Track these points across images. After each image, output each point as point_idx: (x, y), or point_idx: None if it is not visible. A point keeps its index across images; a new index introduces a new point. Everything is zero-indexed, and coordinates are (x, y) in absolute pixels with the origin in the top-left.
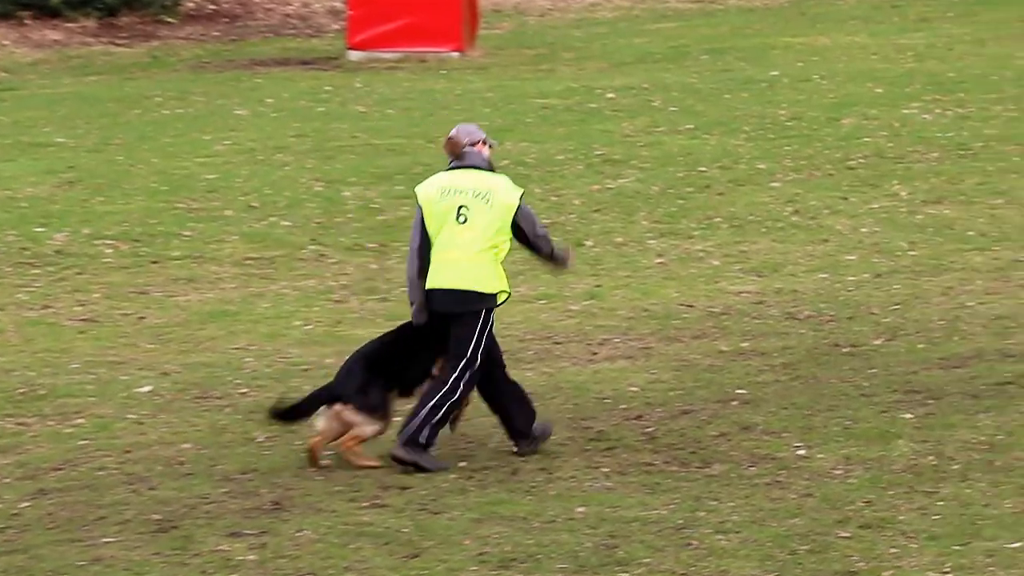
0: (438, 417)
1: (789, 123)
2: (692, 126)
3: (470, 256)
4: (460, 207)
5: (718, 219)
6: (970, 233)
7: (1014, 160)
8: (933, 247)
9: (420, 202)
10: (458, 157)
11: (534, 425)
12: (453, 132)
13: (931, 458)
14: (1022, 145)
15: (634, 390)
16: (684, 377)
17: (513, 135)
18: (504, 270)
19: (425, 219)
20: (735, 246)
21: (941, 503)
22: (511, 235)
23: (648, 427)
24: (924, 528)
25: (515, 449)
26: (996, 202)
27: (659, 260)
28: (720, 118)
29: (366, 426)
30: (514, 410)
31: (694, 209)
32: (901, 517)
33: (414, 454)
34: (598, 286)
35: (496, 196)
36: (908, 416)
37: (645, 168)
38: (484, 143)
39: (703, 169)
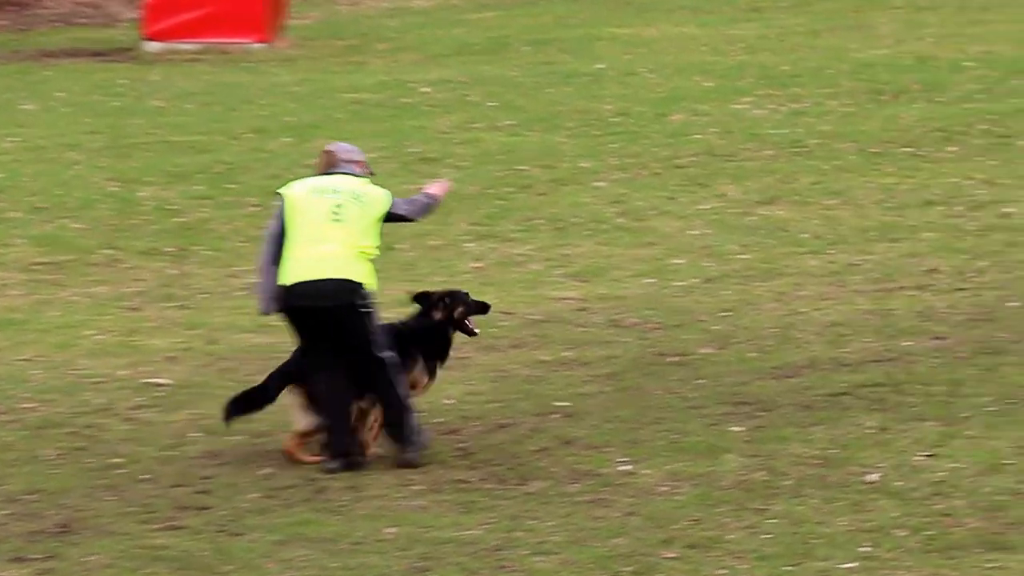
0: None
1: (615, 119)
2: (512, 122)
3: (345, 250)
4: (337, 205)
5: (539, 221)
6: (804, 235)
7: (850, 158)
8: (765, 250)
9: (284, 196)
10: (333, 167)
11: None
12: (331, 147)
13: (762, 473)
14: (858, 142)
15: (449, 403)
16: (502, 389)
17: (322, 132)
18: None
19: (287, 214)
20: (557, 249)
21: (772, 521)
22: (379, 240)
23: (464, 442)
24: (754, 548)
25: (327, 465)
26: (831, 202)
27: (476, 264)
28: (542, 114)
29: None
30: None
31: (514, 210)
32: (730, 536)
33: (417, 448)
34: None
35: (370, 196)
36: (738, 429)
37: (462, 167)
38: (364, 166)
39: (523, 168)
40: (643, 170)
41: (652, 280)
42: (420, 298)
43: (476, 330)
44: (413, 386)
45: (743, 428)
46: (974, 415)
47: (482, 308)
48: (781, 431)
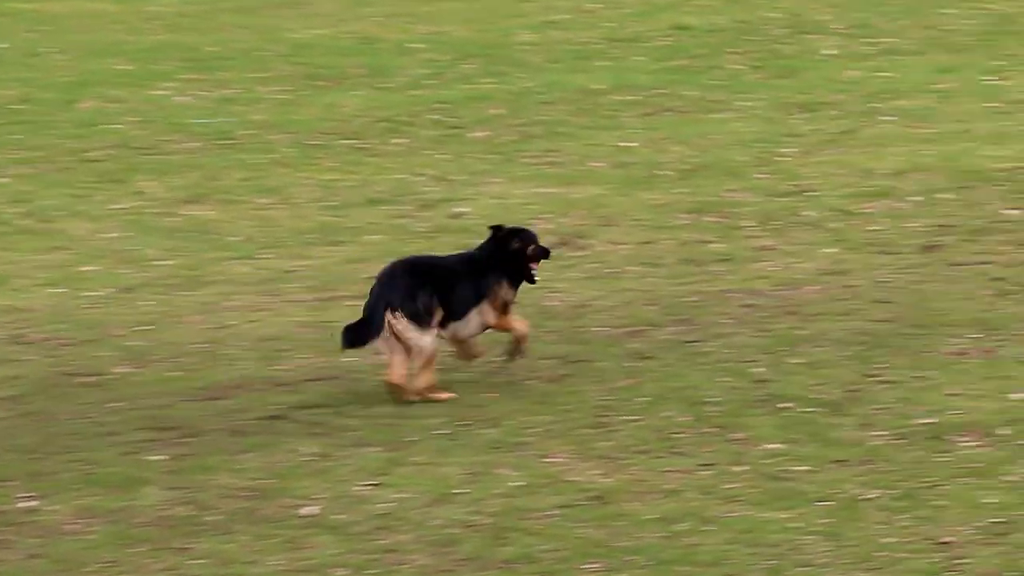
0: None
1: (16, 106)
2: None
3: None
4: None
5: None
6: (233, 238)
7: (285, 151)
8: (190, 255)
9: None
10: None
11: None
12: None
13: (185, 508)
14: (294, 133)
15: None
16: None
17: None
18: None
19: None
20: None
21: (197, 561)
22: None
23: None
24: None
25: None
26: (264, 201)
27: None
28: None
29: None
30: None
31: None
32: None
33: None
34: None
35: None
36: (158, 458)
37: None
38: None
39: None
40: (49, 165)
41: (60, 290)
42: (495, 228)
43: (536, 277)
44: (504, 306)
45: (165, 456)
46: (422, 439)
47: (547, 253)
48: (208, 460)
